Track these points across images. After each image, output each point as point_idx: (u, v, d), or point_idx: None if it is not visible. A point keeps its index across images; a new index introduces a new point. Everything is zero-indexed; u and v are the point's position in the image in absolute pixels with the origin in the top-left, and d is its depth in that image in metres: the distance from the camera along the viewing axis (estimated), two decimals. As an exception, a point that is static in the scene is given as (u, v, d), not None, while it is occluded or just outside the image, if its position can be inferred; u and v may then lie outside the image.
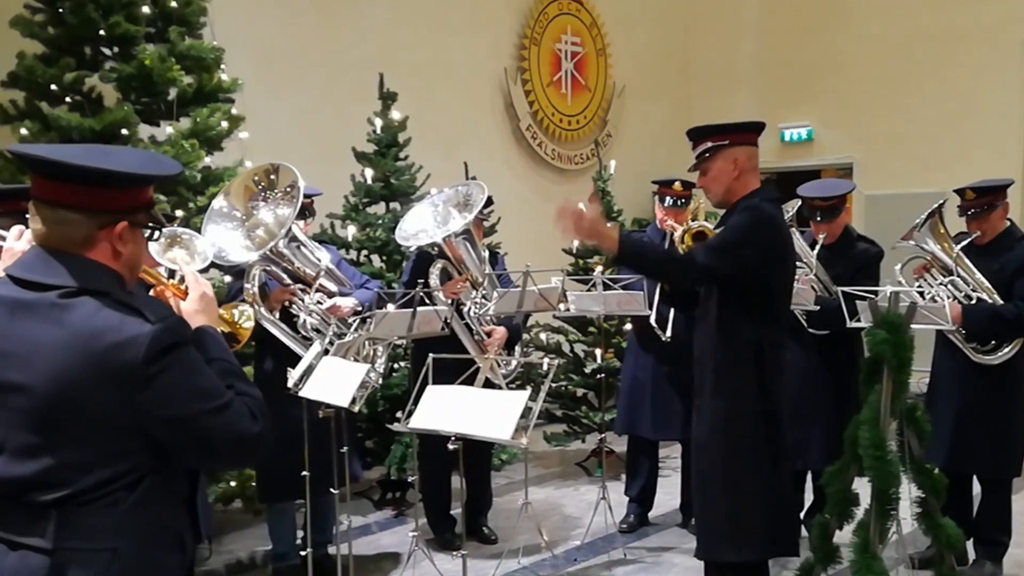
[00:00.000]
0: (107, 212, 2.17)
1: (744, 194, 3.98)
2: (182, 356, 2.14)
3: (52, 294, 2.11)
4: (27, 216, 2.26)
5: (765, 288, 3.93)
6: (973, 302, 4.92)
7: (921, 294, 4.96)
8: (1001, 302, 4.92)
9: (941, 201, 5.10)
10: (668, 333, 5.79)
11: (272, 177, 4.88)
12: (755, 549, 4.03)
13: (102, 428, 2.09)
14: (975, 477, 5.29)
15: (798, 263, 4.88)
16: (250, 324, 3.00)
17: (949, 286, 4.97)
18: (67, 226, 2.15)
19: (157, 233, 2.36)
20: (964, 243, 5.02)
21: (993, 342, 4.98)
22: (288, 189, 4.82)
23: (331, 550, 5.30)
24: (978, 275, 4.97)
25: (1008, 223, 5.13)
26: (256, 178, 4.92)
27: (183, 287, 2.55)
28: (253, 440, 2.21)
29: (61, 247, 2.16)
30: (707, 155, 4.03)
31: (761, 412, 3.91)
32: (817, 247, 5.18)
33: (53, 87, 5.81)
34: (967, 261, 4.99)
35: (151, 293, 2.58)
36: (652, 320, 5.77)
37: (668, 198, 5.90)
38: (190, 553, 2.35)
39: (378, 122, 7.19)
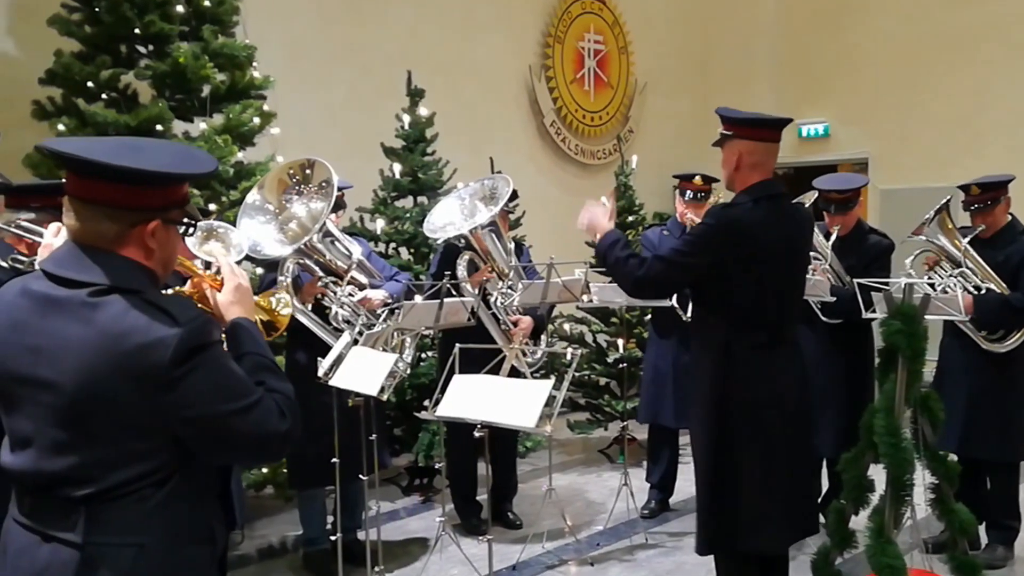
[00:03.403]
0: (139, 210, 2.13)
1: (741, 188, 3.92)
2: (209, 357, 2.10)
3: (83, 292, 2.07)
4: (63, 211, 2.21)
5: (731, 292, 3.84)
6: (982, 292, 5.02)
7: (932, 286, 5.05)
8: (1008, 292, 5.02)
9: (948, 197, 5.18)
10: (688, 314, 5.60)
11: (307, 171, 4.88)
12: (709, 544, 4.01)
13: (128, 427, 2.07)
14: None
15: (814, 254, 4.97)
16: (288, 311, 2.94)
17: (959, 278, 5.06)
18: (99, 223, 2.12)
19: (192, 228, 2.33)
20: (969, 237, 5.12)
21: (1001, 331, 5.08)
22: (323, 185, 4.82)
23: (360, 535, 5.40)
24: (986, 267, 5.05)
25: (1009, 217, 5.23)
26: (291, 172, 4.92)
27: (219, 279, 2.52)
28: (280, 438, 2.19)
29: (93, 243, 2.13)
30: (720, 141, 4.01)
31: (727, 409, 3.85)
32: (832, 238, 5.25)
33: (90, 84, 5.94)
34: (974, 253, 5.07)
35: (188, 284, 2.57)
36: (674, 300, 5.67)
37: (688, 191, 5.93)
38: (220, 544, 2.32)
39: (406, 118, 7.28)
